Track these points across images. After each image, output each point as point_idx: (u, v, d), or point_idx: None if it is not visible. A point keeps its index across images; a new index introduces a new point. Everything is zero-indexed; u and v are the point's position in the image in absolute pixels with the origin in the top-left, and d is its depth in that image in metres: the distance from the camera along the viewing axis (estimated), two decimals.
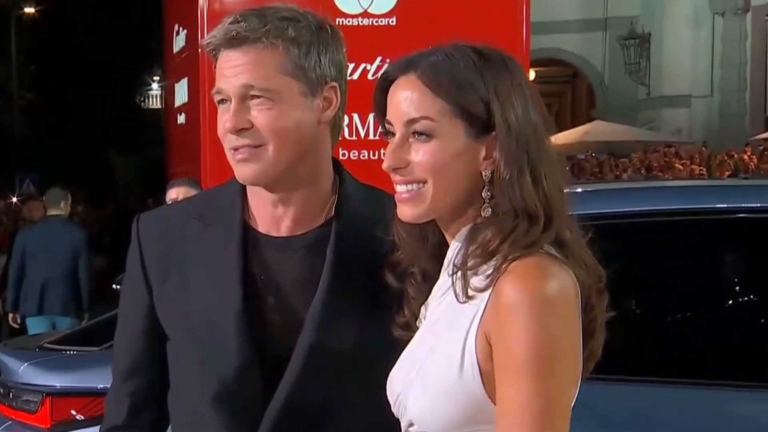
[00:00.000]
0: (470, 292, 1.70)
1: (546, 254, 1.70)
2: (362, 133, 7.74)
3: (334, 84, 1.94)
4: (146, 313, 2.00)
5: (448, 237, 1.82)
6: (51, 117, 32.87)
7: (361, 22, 7.87)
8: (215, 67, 1.94)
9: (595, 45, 28.59)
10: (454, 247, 1.79)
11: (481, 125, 1.74)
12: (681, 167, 18.86)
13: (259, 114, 1.86)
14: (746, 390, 2.95)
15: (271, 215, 1.96)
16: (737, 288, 3.34)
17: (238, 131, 1.86)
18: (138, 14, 28.13)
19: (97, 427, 2.85)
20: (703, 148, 22.62)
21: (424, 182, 1.75)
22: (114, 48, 31.13)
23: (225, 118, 1.88)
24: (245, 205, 1.98)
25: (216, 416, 1.92)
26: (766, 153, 20.99)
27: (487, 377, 1.66)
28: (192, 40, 8.37)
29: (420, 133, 1.75)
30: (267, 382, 1.91)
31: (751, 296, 3.37)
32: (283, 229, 1.96)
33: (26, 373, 3.10)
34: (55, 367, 3.01)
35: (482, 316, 1.68)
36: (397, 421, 1.82)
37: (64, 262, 9.29)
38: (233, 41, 1.87)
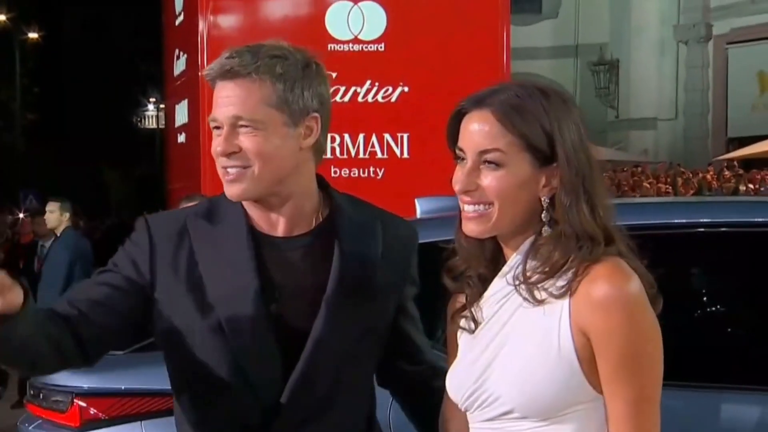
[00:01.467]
0: (541, 297, 1.83)
1: (614, 257, 1.84)
2: (352, 152, 7.79)
3: (316, 114, 2.06)
4: (134, 289, 2.07)
5: (506, 249, 1.94)
6: (51, 136, 32.75)
7: (352, 47, 7.91)
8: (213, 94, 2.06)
9: (567, 70, 28.68)
10: (516, 260, 1.90)
11: (543, 157, 1.86)
12: (648, 185, 18.92)
13: (245, 140, 1.99)
14: (714, 390, 2.96)
15: (267, 219, 2.09)
16: (699, 296, 3.36)
17: (228, 154, 1.99)
18: (135, 41, 28.09)
19: (123, 425, 2.93)
20: (679, 167, 22.70)
21: (491, 204, 1.87)
22: (112, 71, 31.08)
23: (217, 142, 2.00)
24: (245, 208, 2.11)
25: (239, 394, 2.02)
26: (725, 173, 21.10)
27: (587, 365, 1.80)
28: (192, 64, 8.37)
29: (491, 162, 1.86)
30: (284, 360, 2.03)
31: (711, 303, 3.39)
32: (280, 231, 2.09)
33: (56, 375, 3.11)
34: (81, 370, 3.02)
35: (570, 315, 1.80)
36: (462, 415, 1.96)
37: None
38: (227, 74, 2.00)
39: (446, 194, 3.83)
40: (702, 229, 3.08)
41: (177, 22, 9.17)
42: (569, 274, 1.83)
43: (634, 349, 1.78)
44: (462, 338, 2.00)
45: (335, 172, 7.67)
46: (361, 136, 7.76)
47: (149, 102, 34.51)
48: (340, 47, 7.95)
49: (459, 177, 1.89)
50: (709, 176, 21.09)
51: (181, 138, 9.12)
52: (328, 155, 8.15)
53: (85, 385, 2.93)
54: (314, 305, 2.05)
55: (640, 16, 28.01)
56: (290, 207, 2.09)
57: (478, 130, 1.88)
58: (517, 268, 1.90)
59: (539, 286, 1.85)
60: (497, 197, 1.86)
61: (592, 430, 1.83)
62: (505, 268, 1.93)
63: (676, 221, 3.21)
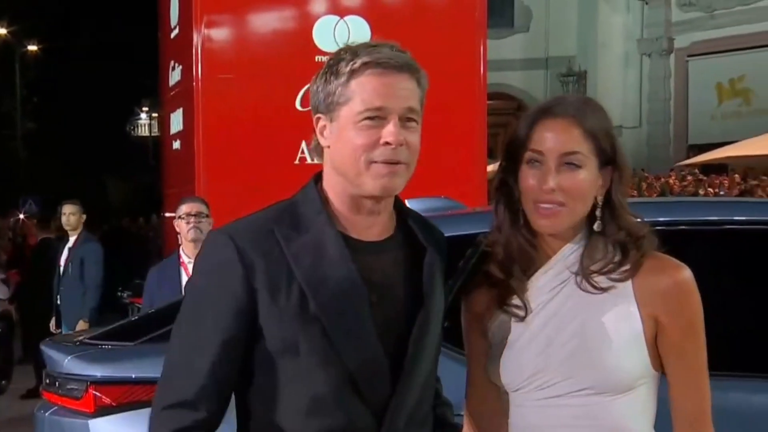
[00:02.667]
0: (606, 284, 1.96)
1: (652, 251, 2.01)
2: None
3: None
4: (240, 323, 1.85)
5: (554, 242, 2.03)
6: (50, 144, 32.58)
7: None
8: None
9: (538, 81, 28.71)
10: (569, 250, 2.01)
11: (605, 160, 1.99)
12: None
13: (409, 134, 1.88)
14: None
15: (363, 223, 1.94)
16: None
17: (397, 146, 1.86)
18: (130, 53, 28.01)
19: (134, 412, 2.93)
20: (643, 172, 22.76)
21: (564, 203, 1.96)
22: (107, 83, 30.99)
23: (388, 131, 1.85)
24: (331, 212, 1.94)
25: (350, 404, 1.86)
26: (686, 178, 21.20)
27: (650, 345, 1.96)
28: (187, 74, 8.34)
29: (571, 164, 1.96)
30: (390, 366, 1.89)
31: None
32: (373, 235, 1.95)
33: (71, 364, 3.12)
34: (97, 359, 3.04)
35: (637, 302, 1.95)
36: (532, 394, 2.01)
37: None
38: (405, 67, 1.89)
39: (431, 196, 3.89)
40: (662, 227, 3.11)
41: (172, 35, 9.17)
42: (626, 266, 1.96)
43: (697, 326, 1.98)
44: (506, 326, 2.04)
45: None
46: None
47: (142, 111, 34.41)
48: (326, 59, 7.92)
49: (544, 178, 1.96)
50: (671, 181, 21.18)
51: (176, 145, 9.10)
52: (316, 161, 8.14)
53: (98, 374, 2.95)
54: (405, 309, 1.94)
55: (606, 30, 28.13)
56: (387, 210, 1.97)
57: (560, 135, 1.96)
58: (567, 259, 2.00)
59: (597, 277, 1.97)
60: (576, 197, 1.97)
61: (649, 402, 2.00)
62: (551, 261, 2.02)
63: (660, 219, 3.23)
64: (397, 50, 1.89)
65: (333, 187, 1.94)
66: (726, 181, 20.10)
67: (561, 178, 1.95)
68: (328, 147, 1.94)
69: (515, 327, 2.02)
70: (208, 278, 1.90)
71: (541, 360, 1.97)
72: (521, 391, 2.01)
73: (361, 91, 1.86)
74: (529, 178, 1.98)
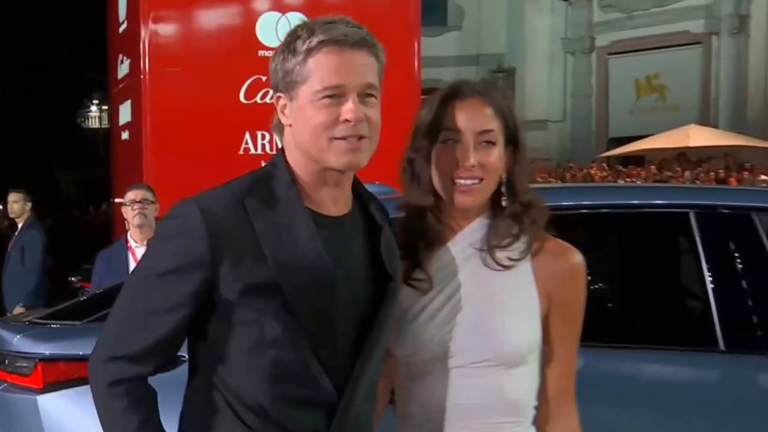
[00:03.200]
0: (508, 263, 1.96)
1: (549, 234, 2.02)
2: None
3: None
4: (202, 289, 1.77)
5: (464, 218, 2.02)
6: (1, 136, 31.99)
7: None
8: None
9: (469, 77, 28.19)
10: (474, 227, 2.01)
11: (510, 140, 2.00)
12: (541, 179, 19.19)
13: (369, 110, 1.81)
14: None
15: (330, 196, 1.87)
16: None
17: (357, 122, 1.79)
18: (80, 46, 27.57)
19: (80, 388, 2.87)
20: (568, 163, 23.05)
21: (481, 179, 1.96)
22: (58, 75, 30.51)
23: (347, 109, 1.78)
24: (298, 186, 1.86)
25: (313, 366, 1.80)
26: (606, 168, 21.53)
27: (542, 321, 1.98)
28: (135, 67, 8.30)
29: (488, 142, 1.97)
30: (351, 339, 1.85)
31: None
32: (336, 209, 1.88)
33: (20, 343, 3.07)
34: (45, 337, 2.99)
35: (535, 281, 1.97)
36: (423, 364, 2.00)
37: None
38: (361, 42, 1.81)
39: (367, 182, 3.89)
40: (585, 211, 3.13)
41: (120, 30, 9.08)
42: (525, 244, 1.98)
43: (580, 307, 2.02)
44: (410, 299, 2.01)
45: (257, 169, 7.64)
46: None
47: (92, 104, 33.92)
48: (269, 53, 7.87)
49: (465, 155, 1.95)
50: (592, 171, 21.47)
51: (125, 135, 9.04)
52: (259, 151, 8.18)
53: (47, 352, 2.90)
54: (367, 284, 1.88)
55: (533, 30, 28.36)
56: (349, 183, 1.90)
57: (475, 114, 1.96)
58: (473, 236, 2.00)
59: (500, 253, 1.96)
60: (491, 172, 1.97)
61: (535, 373, 2.01)
62: (457, 237, 2.01)
63: (563, 203, 3.24)
64: (353, 26, 1.82)
65: (297, 162, 1.86)
66: (643, 172, 20.42)
67: (479, 155, 1.95)
68: (290, 125, 1.86)
69: (419, 300, 2.00)
70: (172, 243, 1.81)
71: (443, 333, 1.96)
72: (424, 362, 1.99)
73: (318, 70, 1.79)
74: (445, 156, 1.97)
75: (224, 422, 1.82)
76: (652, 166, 20.86)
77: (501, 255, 1.96)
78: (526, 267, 1.97)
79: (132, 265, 5.42)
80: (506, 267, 1.96)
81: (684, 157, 20.79)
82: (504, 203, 1.99)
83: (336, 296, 1.82)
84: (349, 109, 1.78)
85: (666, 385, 2.78)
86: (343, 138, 1.79)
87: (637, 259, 3.30)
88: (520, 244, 1.97)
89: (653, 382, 2.76)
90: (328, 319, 1.81)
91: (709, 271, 2.82)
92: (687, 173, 19.48)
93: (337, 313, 1.82)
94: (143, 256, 1.91)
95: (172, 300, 1.79)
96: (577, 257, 2.00)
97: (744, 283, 2.79)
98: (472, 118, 1.96)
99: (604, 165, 22.71)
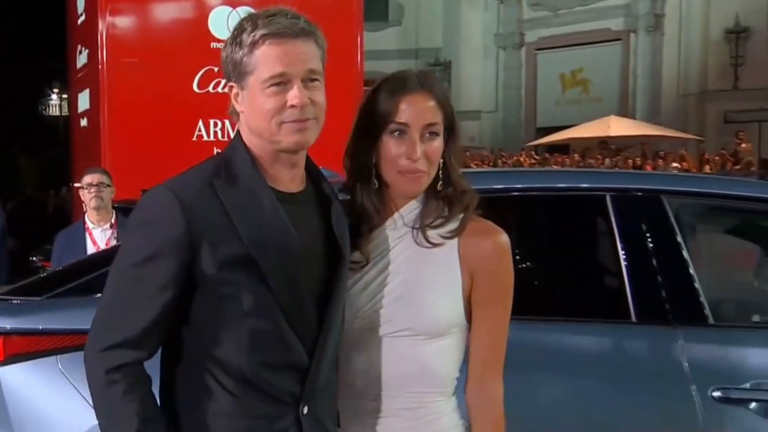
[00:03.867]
0: (438, 241, 1.97)
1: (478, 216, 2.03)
2: (232, 135, 7.71)
3: None
4: (185, 271, 1.78)
5: (398, 201, 2.03)
6: None
7: None
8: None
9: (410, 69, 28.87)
10: (409, 210, 2.02)
11: (447, 127, 2.01)
12: (474, 166, 19.31)
13: (314, 93, 1.85)
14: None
15: (288, 174, 1.90)
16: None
17: (303, 106, 1.83)
18: (41, 39, 27.03)
19: (39, 360, 2.84)
20: (500, 151, 23.22)
21: (426, 170, 1.97)
22: (19, 64, 29.88)
23: (293, 95, 1.82)
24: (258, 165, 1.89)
25: (287, 332, 1.82)
26: (535, 156, 21.75)
27: (465, 298, 1.98)
28: (93, 57, 8.21)
29: (433, 133, 1.98)
30: (315, 306, 1.88)
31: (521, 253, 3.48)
32: (294, 186, 1.92)
33: None
34: (6, 312, 2.93)
35: (460, 259, 1.97)
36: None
37: None
38: (301, 32, 1.84)
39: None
40: (514, 193, 3.14)
41: (79, 22, 8.95)
42: (454, 224, 1.98)
43: (507, 284, 2.01)
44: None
45: (217, 153, 7.59)
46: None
47: (53, 93, 33.34)
48: (221, 45, 7.83)
49: (412, 147, 1.96)
50: (522, 159, 21.66)
51: (84, 122, 8.93)
52: (212, 138, 8.12)
53: (8, 326, 2.85)
54: (323, 254, 1.91)
55: (468, 26, 28.49)
56: (302, 162, 1.93)
57: (421, 108, 1.97)
58: (407, 216, 2.01)
59: (431, 232, 1.97)
60: (434, 162, 1.99)
61: (459, 349, 2.02)
62: (395, 216, 2.02)
63: (494, 186, 3.26)
64: (292, 17, 1.85)
65: (253, 144, 1.89)
66: (568, 159, 20.65)
67: (425, 146, 1.96)
68: (243, 112, 1.89)
69: (354, 274, 2.01)
70: (151, 228, 1.81)
71: (372, 303, 1.98)
72: (356, 332, 2.00)
73: (264, 61, 1.82)
74: (394, 148, 1.97)
75: (211, 393, 1.83)
76: (576, 154, 21.10)
77: (431, 233, 1.98)
78: (453, 245, 1.98)
79: (89, 244, 5.40)
80: (435, 245, 1.97)
81: (605, 145, 21.06)
82: (439, 187, 2.00)
83: (301, 265, 1.84)
84: (294, 95, 1.82)
85: (585, 353, 2.82)
86: (292, 122, 1.83)
87: (559, 239, 3.34)
88: (450, 225, 1.98)
89: (574, 351, 2.80)
90: (297, 289, 1.84)
91: (622, 249, 2.86)
92: (607, 160, 19.75)
93: (303, 283, 1.85)
94: (122, 246, 1.90)
95: (159, 283, 1.78)
96: (503, 237, 2.00)
97: (654, 260, 2.84)
98: (418, 112, 1.96)
99: (533, 153, 22.91)
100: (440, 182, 2.01)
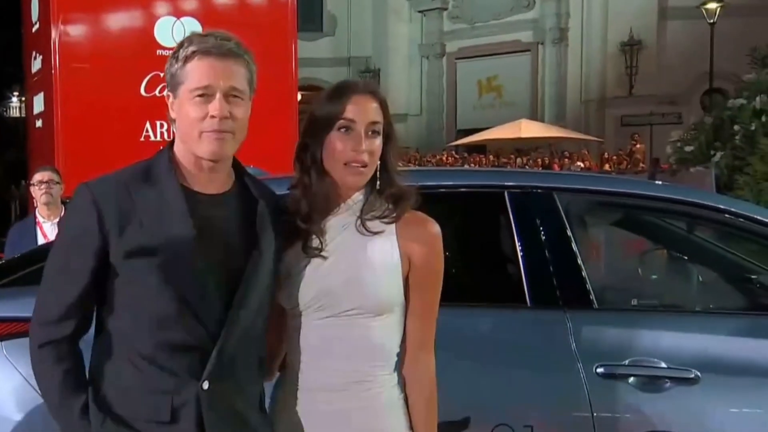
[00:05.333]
0: (378, 229, 2.00)
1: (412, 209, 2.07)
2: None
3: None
4: (98, 256, 1.84)
5: (348, 192, 2.04)
6: None
7: None
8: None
9: (342, 76, 28.60)
10: (354, 200, 2.04)
11: (386, 131, 2.04)
12: (401, 164, 19.32)
13: (235, 108, 1.89)
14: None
15: (206, 178, 1.93)
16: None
17: (222, 118, 1.86)
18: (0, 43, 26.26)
19: None
20: (416, 153, 23.29)
21: (368, 164, 2.00)
22: None
23: (214, 107, 1.86)
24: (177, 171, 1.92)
25: (186, 316, 1.84)
26: (455, 155, 21.91)
27: (404, 280, 2.01)
28: (46, 63, 8.04)
29: (375, 132, 2.00)
30: (224, 293, 1.88)
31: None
32: (212, 189, 1.94)
33: None
34: None
35: (399, 245, 2.00)
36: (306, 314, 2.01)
37: None
38: (228, 53, 1.89)
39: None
40: (441, 190, 3.14)
41: (34, 29, 8.74)
42: (392, 215, 2.01)
43: (438, 269, 2.04)
44: (296, 258, 2.02)
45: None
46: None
47: (13, 96, 32.47)
48: (166, 53, 7.75)
49: (359, 143, 1.98)
50: (443, 158, 21.82)
51: (39, 123, 8.72)
52: (158, 138, 8.00)
53: None
54: (241, 250, 1.91)
55: (395, 36, 28.62)
56: (225, 169, 1.95)
57: (367, 107, 1.99)
58: (352, 207, 2.03)
59: (371, 222, 2.00)
60: (375, 157, 2.01)
61: (400, 324, 2.03)
62: (342, 207, 2.04)
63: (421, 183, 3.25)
64: (222, 39, 1.90)
65: (180, 150, 1.94)
66: (484, 159, 20.87)
67: (368, 142, 1.98)
68: (174, 120, 1.94)
69: (304, 259, 2.01)
70: (71, 220, 1.93)
71: (321, 285, 1.98)
72: (304, 313, 2.01)
73: (192, 73, 1.87)
74: (341, 142, 1.98)
75: (122, 368, 1.88)
76: (491, 155, 21.33)
77: (372, 224, 2.00)
78: (391, 232, 2.00)
79: (40, 237, 5.29)
80: (375, 233, 1.99)
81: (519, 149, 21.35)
82: (378, 186, 2.03)
83: (198, 256, 1.85)
84: (214, 106, 1.86)
85: (484, 335, 2.84)
86: (210, 131, 1.87)
87: (466, 231, 3.35)
88: (389, 216, 2.01)
89: (474, 333, 2.81)
90: (193, 276, 1.85)
91: (519, 241, 2.88)
92: (519, 160, 20.00)
93: (201, 271, 1.86)
94: (56, 234, 1.97)
95: (75, 268, 1.87)
96: (435, 227, 2.04)
97: (546, 251, 2.86)
98: (364, 111, 1.99)
99: (453, 152, 23.10)
100: (378, 181, 2.03)
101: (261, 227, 1.96)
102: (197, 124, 1.87)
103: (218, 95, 1.86)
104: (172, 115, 1.94)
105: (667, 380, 2.66)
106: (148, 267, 1.83)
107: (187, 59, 1.88)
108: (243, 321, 1.90)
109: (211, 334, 1.86)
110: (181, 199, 1.87)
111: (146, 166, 1.93)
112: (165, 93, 1.96)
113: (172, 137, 1.99)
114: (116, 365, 1.88)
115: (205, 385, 1.85)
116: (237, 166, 2.01)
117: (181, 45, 1.92)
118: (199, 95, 1.86)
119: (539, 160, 19.70)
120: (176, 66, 1.90)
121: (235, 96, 1.89)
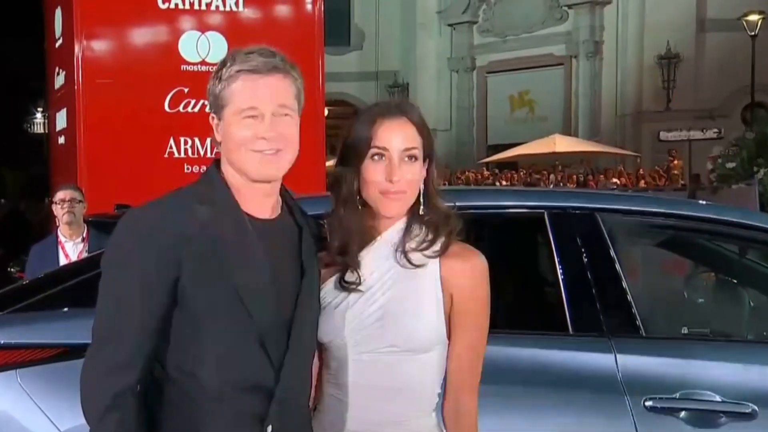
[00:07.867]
0: (420, 262, 1.91)
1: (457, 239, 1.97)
2: (201, 153, 7.65)
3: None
4: (170, 289, 1.74)
5: (385, 222, 1.96)
6: None
7: (200, 68, 7.78)
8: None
9: (370, 90, 28.87)
10: (393, 230, 1.96)
11: (427, 153, 1.96)
12: None
13: (284, 126, 1.82)
14: None
15: (260, 202, 1.86)
16: None
17: (270, 138, 1.81)
18: (22, 60, 26.69)
19: (1, 374, 2.70)
20: (446, 168, 23.22)
21: (406, 191, 1.92)
22: (4, 86, 29.52)
23: (263, 128, 1.80)
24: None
25: (258, 351, 1.78)
26: (485, 172, 21.82)
27: (446, 317, 1.92)
28: (69, 79, 8.11)
29: (411, 157, 1.91)
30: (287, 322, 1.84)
31: None
32: (268, 213, 1.87)
33: None
34: None
35: (441, 280, 1.91)
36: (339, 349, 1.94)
37: None
38: (273, 69, 1.82)
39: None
40: (476, 211, 3.06)
41: (57, 45, 8.82)
42: (437, 247, 1.92)
43: (484, 307, 1.95)
44: (333, 292, 1.96)
45: (188, 169, 7.58)
46: (208, 140, 7.62)
47: (37, 111, 33.03)
48: (191, 68, 7.82)
49: (392, 171, 1.90)
50: (474, 175, 21.72)
51: (62, 140, 8.79)
52: (182, 155, 8.02)
53: None
54: (293, 279, 1.86)
55: (423, 50, 28.65)
56: (276, 192, 1.89)
57: (401, 133, 1.91)
58: (391, 237, 1.95)
59: (412, 254, 1.92)
60: (414, 185, 1.93)
61: (441, 363, 1.95)
62: (378, 240, 1.96)
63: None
64: (267, 55, 1.83)
65: (229, 174, 1.86)
66: (516, 175, 20.74)
67: (403, 170, 1.91)
68: (220, 142, 1.87)
69: (341, 293, 1.94)
70: (132, 250, 1.75)
71: (357, 321, 1.91)
72: (341, 348, 1.94)
73: (238, 95, 1.81)
74: (375, 171, 1.91)
75: (183, 411, 1.78)
76: (522, 170, 21.22)
77: (413, 256, 1.92)
78: (434, 267, 1.92)
79: (62, 257, 5.30)
80: (417, 266, 1.91)
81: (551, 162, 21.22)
82: (421, 211, 1.96)
83: (274, 287, 1.81)
84: (264, 128, 1.80)
85: (522, 365, 2.73)
86: (261, 152, 1.81)
87: (502, 254, 3.26)
88: (432, 248, 1.93)
89: (509, 364, 2.70)
90: (269, 309, 1.80)
91: (560, 264, 2.79)
92: (552, 176, 19.86)
93: (274, 301, 1.81)
94: (105, 269, 1.80)
95: (143, 304, 1.73)
96: (481, 260, 1.94)
97: (589, 274, 2.77)
98: (397, 137, 1.91)
99: (484, 168, 23.02)
100: (422, 206, 1.95)
101: (307, 254, 1.91)
102: (246, 144, 1.81)
103: (267, 116, 1.80)
104: (218, 137, 1.87)
105: (722, 415, 2.56)
106: (224, 298, 1.75)
107: (231, 79, 1.81)
108: (300, 358, 1.86)
109: (276, 371, 1.80)
110: (251, 229, 1.80)
111: (201, 189, 1.84)
112: (210, 114, 1.89)
113: (197, 153, 1.92)
114: (177, 408, 1.78)
115: (269, 430, 1.79)
116: (282, 191, 1.94)
117: (223, 64, 1.84)
118: (247, 116, 1.81)
119: (574, 176, 19.53)
120: (219, 87, 1.83)
121: (285, 114, 1.83)
